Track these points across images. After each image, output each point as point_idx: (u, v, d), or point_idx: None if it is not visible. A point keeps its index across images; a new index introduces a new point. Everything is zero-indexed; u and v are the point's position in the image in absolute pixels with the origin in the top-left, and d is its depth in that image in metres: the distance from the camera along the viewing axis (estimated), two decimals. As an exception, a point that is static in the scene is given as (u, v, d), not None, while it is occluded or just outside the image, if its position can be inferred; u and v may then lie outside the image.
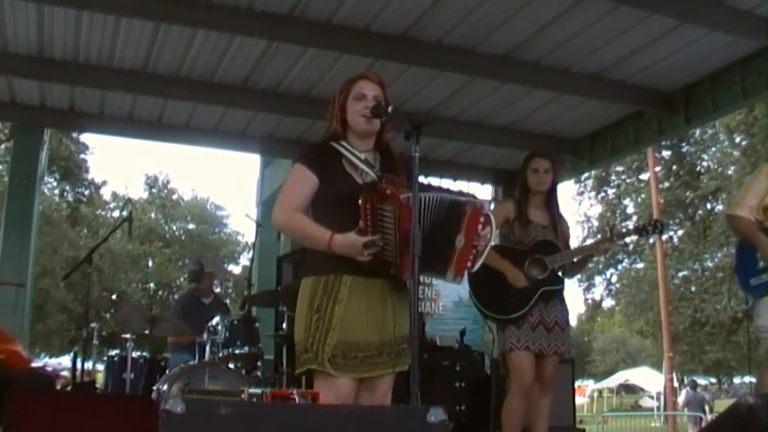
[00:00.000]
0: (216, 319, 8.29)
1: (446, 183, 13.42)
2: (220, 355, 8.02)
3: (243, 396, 6.13)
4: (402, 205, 4.14)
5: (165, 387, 7.51)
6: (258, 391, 6.19)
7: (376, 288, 4.47)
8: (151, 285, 48.78)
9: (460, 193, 4.61)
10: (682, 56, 9.43)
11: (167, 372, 8.19)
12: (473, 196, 4.60)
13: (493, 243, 7.09)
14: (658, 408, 38.51)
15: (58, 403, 6.62)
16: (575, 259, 7.04)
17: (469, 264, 4.42)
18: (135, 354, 8.51)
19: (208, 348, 8.12)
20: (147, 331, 8.65)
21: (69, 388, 9.13)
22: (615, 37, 9.02)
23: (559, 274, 6.89)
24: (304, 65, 9.89)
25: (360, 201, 4.30)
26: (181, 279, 45.69)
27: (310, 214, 4.57)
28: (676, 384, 36.60)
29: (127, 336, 8.41)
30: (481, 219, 4.41)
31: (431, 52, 9.35)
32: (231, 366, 7.98)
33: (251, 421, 2.65)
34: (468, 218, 4.36)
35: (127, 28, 9.01)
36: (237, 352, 8.07)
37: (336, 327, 4.36)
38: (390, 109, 4.49)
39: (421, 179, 4.44)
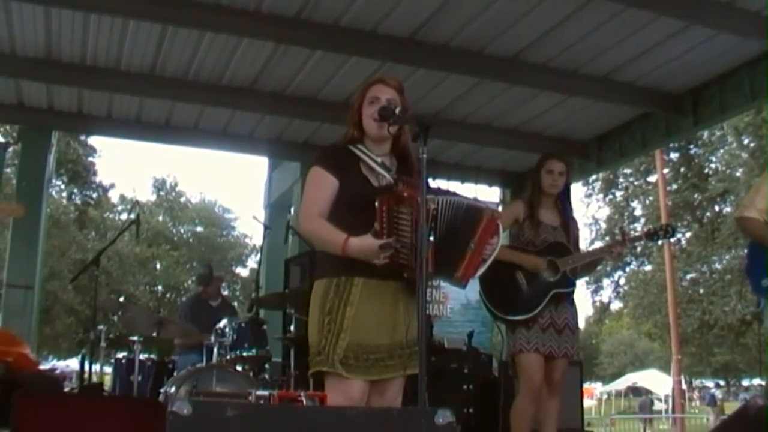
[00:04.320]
0: (224, 322, 8.28)
1: (454, 185, 13.43)
2: (228, 357, 8.00)
3: (250, 398, 6.12)
4: (420, 208, 4.12)
5: (172, 389, 7.51)
6: (265, 393, 6.19)
7: (388, 290, 4.45)
8: (159, 288, 48.84)
9: (474, 199, 4.60)
10: (690, 58, 9.42)
11: (175, 374, 8.18)
12: (489, 204, 4.59)
13: (502, 243, 7.11)
14: (667, 411, 38.47)
15: (66, 406, 6.62)
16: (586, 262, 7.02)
17: (476, 270, 4.42)
18: (142, 356, 8.53)
19: (215, 350, 8.11)
20: (154, 334, 8.66)
21: (75, 390, 9.13)
22: (623, 39, 9.01)
23: (570, 276, 6.87)
24: (311, 68, 9.89)
25: (376, 203, 4.29)
26: (189, 282, 45.76)
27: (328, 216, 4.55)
28: (684, 386, 36.56)
29: (135, 338, 8.43)
30: (494, 228, 4.42)
31: (439, 54, 9.34)
32: (239, 368, 7.97)
33: (258, 423, 2.65)
34: (484, 225, 4.36)
35: (134, 31, 9.02)
36: (245, 354, 8.05)
37: (347, 329, 4.34)
38: (398, 111, 4.47)
39: (432, 183, 4.44)
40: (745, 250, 6.69)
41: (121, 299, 10.30)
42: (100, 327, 8.78)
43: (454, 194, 4.56)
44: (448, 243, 4.29)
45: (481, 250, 4.38)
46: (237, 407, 2.60)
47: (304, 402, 4.41)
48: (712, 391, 47.53)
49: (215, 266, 11.92)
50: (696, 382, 56.00)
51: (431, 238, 4.14)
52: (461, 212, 4.39)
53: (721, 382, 53.24)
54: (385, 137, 4.62)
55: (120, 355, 8.92)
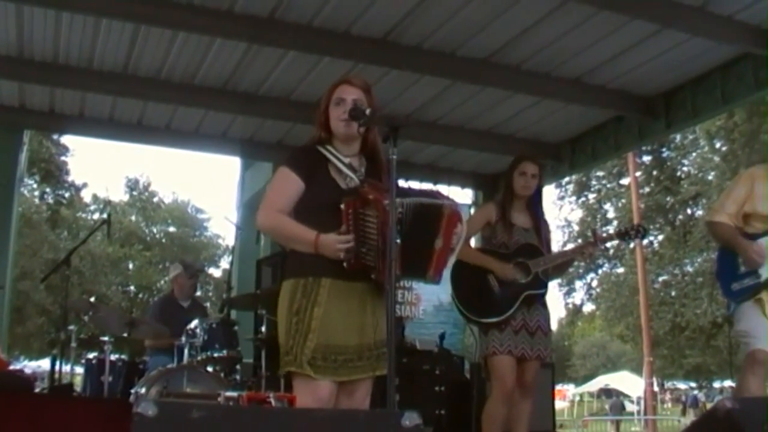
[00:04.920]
0: (195, 322, 8.24)
1: (426, 187, 13.40)
2: (199, 358, 7.96)
3: (219, 399, 6.10)
4: (385, 210, 4.14)
5: (143, 390, 7.47)
6: (234, 394, 6.16)
7: (356, 291, 4.46)
8: (132, 288, 48.66)
9: (435, 195, 4.63)
10: (663, 61, 9.46)
11: (145, 375, 8.14)
12: (448, 198, 4.61)
13: (475, 246, 7.12)
14: (638, 412, 38.64)
15: (36, 406, 6.60)
16: (558, 263, 7.03)
17: (446, 264, 4.46)
18: (113, 357, 8.47)
19: (186, 351, 8.07)
20: (125, 334, 8.61)
21: (45, 391, 9.08)
22: (596, 41, 9.03)
23: (542, 278, 6.88)
24: (284, 68, 9.87)
25: (342, 206, 4.32)
26: (162, 282, 45.60)
27: (293, 218, 4.55)
28: (656, 388, 36.72)
29: (105, 339, 8.38)
30: (456, 219, 4.45)
31: (412, 55, 9.35)
32: (209, 369, 7.93)
33: (224, 425, 2.63)
34: (446, 221, 4.39)
35: (107, 30, 8.97)
36: (215, 355, 8.00)
37: (315, 329, 4.35)
38: (368, 111, 4.47)
39: (401, 183, 4.45)
40: (716, 254, 6.73)
41: (92, 299, 10.16)
42: (71, 327, 8.73)
43: (415, 193, 4.59)
44: (414, 244, 4.31)
45: (447, 244, 4.42)
46: (203, 409, 2.59)
47: (273, 403, 4.40)
48: (695, 393, 47.76)
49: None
50: (668, 384, 56.27)
51: (398, 240, 4.15)
52: (423, 213, 4.41)
53: (693, 384, 53.46)
54: (353, 137, 4.64)
55: (91, 355, 8.87)
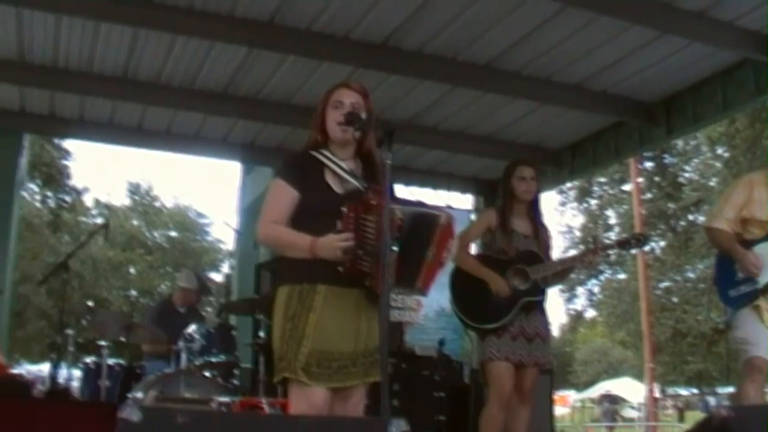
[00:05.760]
0: (192, 327, 8.21)
1: (426, 192, 13.43)
2: (196, 363, 7.94)
3: (212, 404, 6.09)
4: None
5: (140, 395, 7.45)
6: (227, 399, 6.14)
7: (351, 298, 4.43)
8: (133, 292, 48.59)
9: (429, 205, 4.61)
10: (663, 67, 9.44)
11: (143, 380, 8.12)
12: (443, 209, 4.59)
13: (475, 251, 7.10)
14: (640, 419, 38.59)
15: (34, 410, 6.59)
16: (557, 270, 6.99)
17: (435, 277, 4.44)
18: (111, 362, 8.46)
19: (184, 356, 8.05)
20: (123, 338, 8.58)
21: (43, 395, 9.07)
22: (596, 47, 9.02)
23: (541, 285, 6.85)
24: (284, 73, 9.85)
25: (344, 209, 4.28)
26: (163, 286, 45.55)
27: (290, 226, 4.53)
28: (657, 395, 36.65)
29: (103, 343, 8.36)
30: (450, 232, 4.43)
31: (412, 60, 9.33)
32: (207, 374, 7.91)
33: (208, 430, 2.62)
34: (440, 232, 4.36)
35: (106, 34, 8.96)
36: (213, 360, 7.98)
37: (310, 336, 4.32)
38: (364, 116, 4.45)
39: (401, 190, 4.44)
40: (714, 260, 6.71)
41: (90, 303, 10.09)
42: (69, 331, 8.72)
43: (412, 203, 4.56)
44: (408, 253, 4.28)
45: (439, 257, 4.38)
46: (187, 414, 2.57)
47: (266, 409, 4.37)
48: (708, 398, 47.74)
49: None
50: (669, 391, 56.24)
51: (395, 248, 4.13)
52: (419, 221, 4.37)
53: (695, 391, 53.38)
54: (349, 141, 4.62)
55: (89, 359, 8.85)
